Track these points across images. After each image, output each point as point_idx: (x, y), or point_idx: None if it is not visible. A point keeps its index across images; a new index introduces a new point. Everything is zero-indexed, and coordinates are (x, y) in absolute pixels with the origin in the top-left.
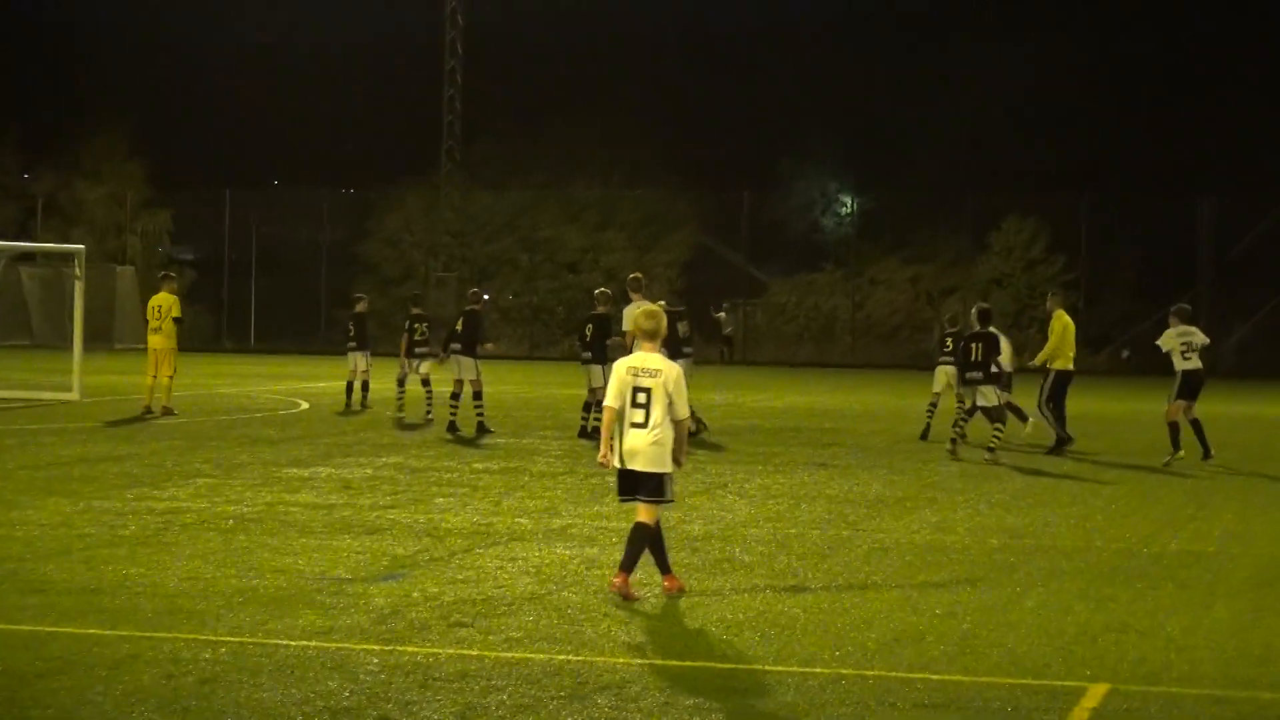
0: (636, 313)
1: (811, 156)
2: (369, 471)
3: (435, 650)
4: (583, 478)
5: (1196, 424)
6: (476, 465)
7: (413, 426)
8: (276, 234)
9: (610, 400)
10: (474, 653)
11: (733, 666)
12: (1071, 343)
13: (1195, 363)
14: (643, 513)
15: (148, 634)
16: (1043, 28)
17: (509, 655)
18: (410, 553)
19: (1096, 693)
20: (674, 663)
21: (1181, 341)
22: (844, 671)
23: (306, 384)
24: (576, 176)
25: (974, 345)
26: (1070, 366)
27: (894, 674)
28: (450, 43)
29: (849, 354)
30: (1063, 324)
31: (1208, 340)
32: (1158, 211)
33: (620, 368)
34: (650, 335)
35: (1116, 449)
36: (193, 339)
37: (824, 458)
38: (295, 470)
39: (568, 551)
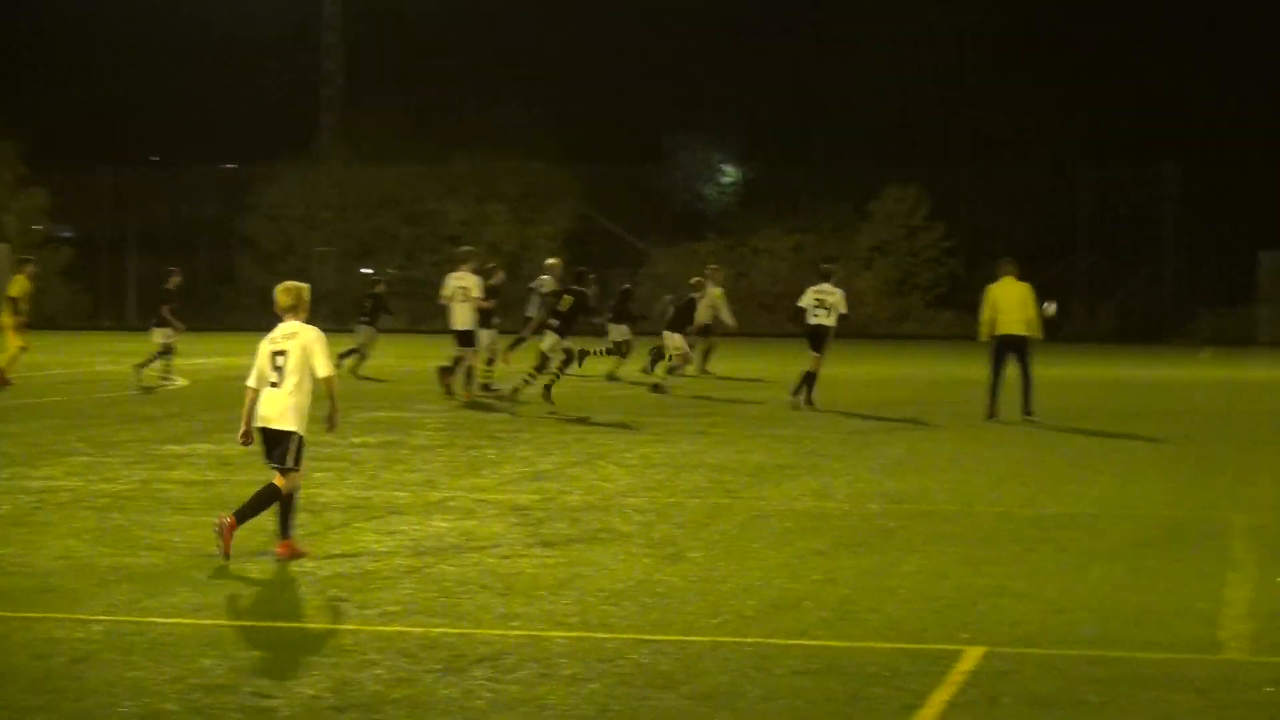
0: (277, 289)
1: (694, 127)
2: (248, 448)
3: (311, 625)
4: (462, 450)
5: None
6: (355, 439)
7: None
8: (156, 210)
9: (251, 382)
10: (350, 627)
11: (611, 636)
12: (1003, 309)
13: (821, 319)
14: (278, 478)
15: (19, 614)
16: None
17: (385, 629)
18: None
19: (973, 655)
20: (552, 633)
21: (816, 298)
22: (722, 639)
23: (187, 360)
24: (457, 149)
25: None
26: (1001, 331)
27: (772, 640)
28: (329, 16)
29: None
30: (990, 295)
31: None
32: (1037, 179)
33: (261, 346)
34: (288, 310)
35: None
36: (72, 317)
37: (704, 426)
38: (173, 447)
39: (445, 524)
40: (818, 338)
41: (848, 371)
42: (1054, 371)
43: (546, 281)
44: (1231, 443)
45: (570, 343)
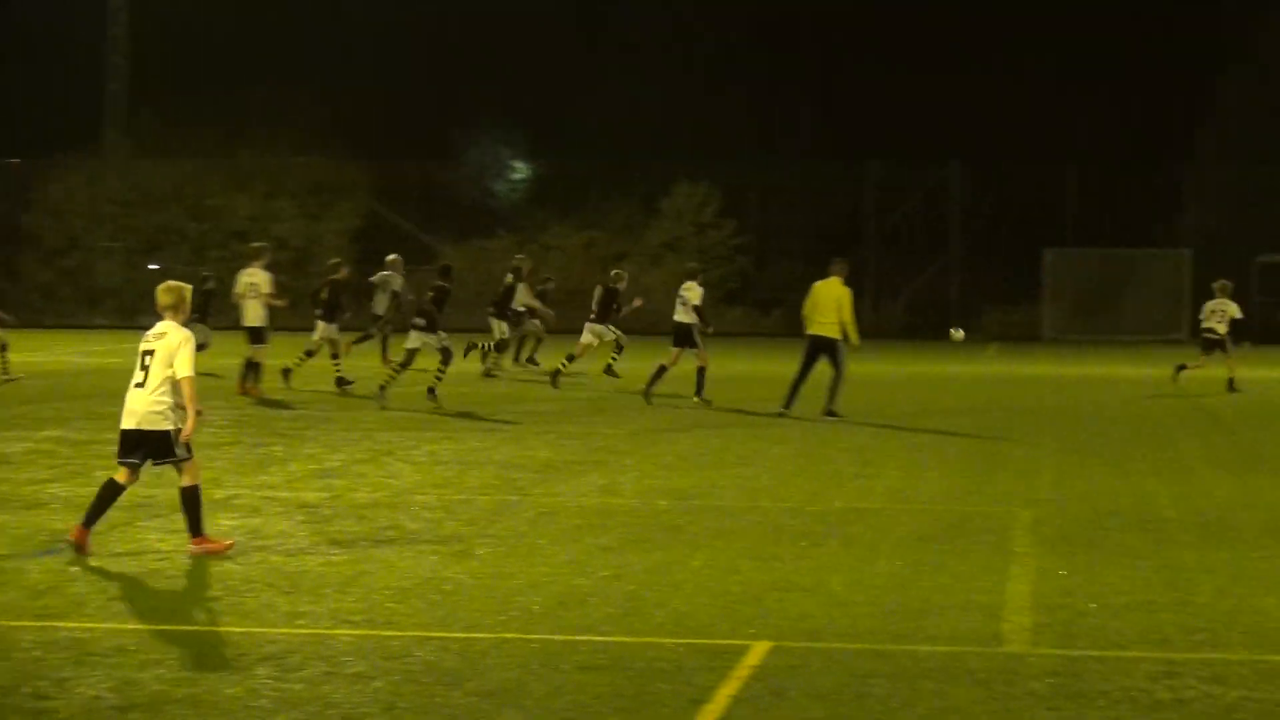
0: (158, 289)
1: (484, 123)
2: (28, 445)
3: (92, 625)
4: (249, 447)
5: (662, 369)
6: None
7: (78, 397)
8: None
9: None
10: (132, 626)
11: (398, 634)
12: (820, 308)
13: (684, 317)
14: (181, 477)
15: None
16: None
17: (168, 628)
18: (69, 527)
19: (759, 650)
20: (338, 631)
21: (677, 297)
22: (508, 636)
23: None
24: (244, 144)
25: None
26: (812, 331)
27: (558, 637)
28: (114, 9)
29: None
30: (812, 294)
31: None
32: (826, 176)
33: (143, 338)
34: (168, 309)
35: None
36: None
37: (493, 423)
38: None
39: (231, 522)
40: (680, 335)
41: (639, 367)
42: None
43: (391, 278)
44: (1015, 438)
45: (447, 339)
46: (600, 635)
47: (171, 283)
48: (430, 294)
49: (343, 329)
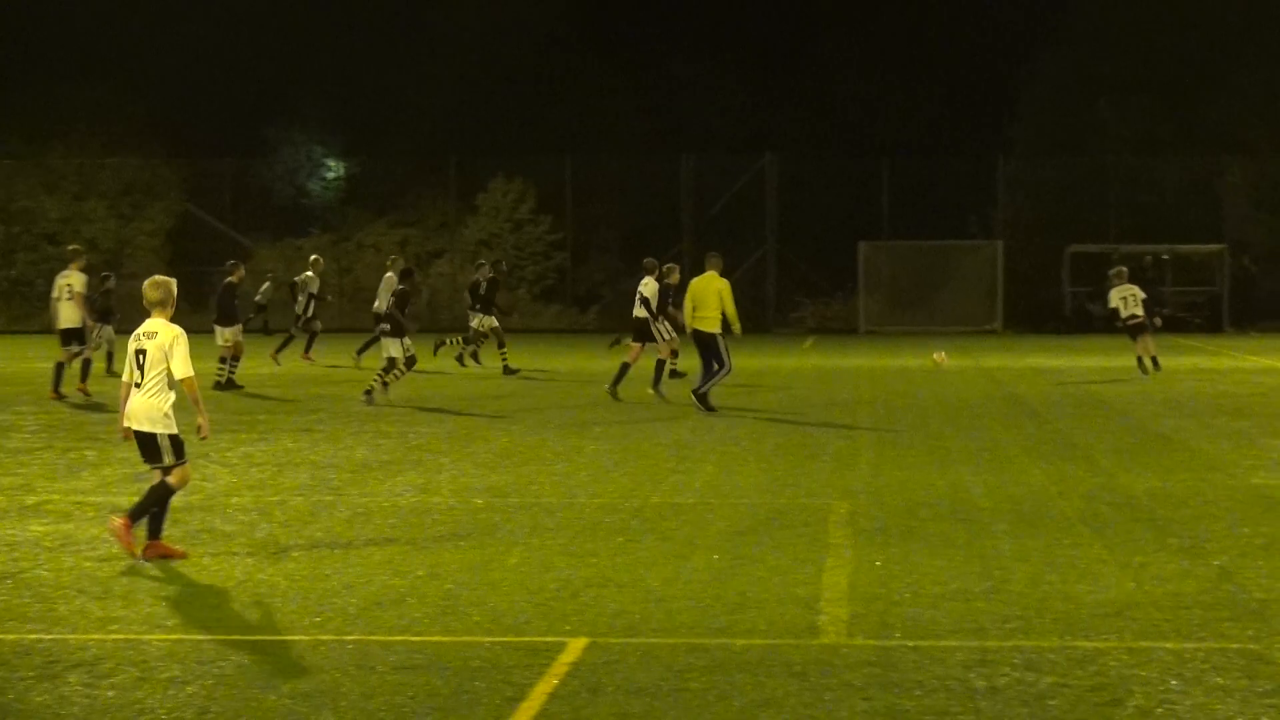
0: (145, 284)
1: (297, 121)
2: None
3: None
4: (60, 453)
5: (625, 366)
6: None
7: None
8: None
9: (125, 377)
10: None
11: (211, 638)
12: (700, 303)
13: (641, 312)
14: (170, 476)
15: None
16: None
17: None
18: None
19: (576, 647)
20: (151, 637)
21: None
22: (324, 637)
23: None
24: (54, 145)
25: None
26: (695, 326)
27: (374, 637)
28: None
29: (336, 318)
30: (692, 288)
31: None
32: (642, 171)
33: (130, 340)
34: (156, 305)
35: (611, 405)
36: None
37: (308, 423)
38: None
39: (42, 528)
40: (639, 331)
41: (455, 366)
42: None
43: (311, 279)
44: (832, 430)
45: (409, 341)
46: (416, 635)
47: (159, 278)
48: (393, 298)
49: (247, 330)
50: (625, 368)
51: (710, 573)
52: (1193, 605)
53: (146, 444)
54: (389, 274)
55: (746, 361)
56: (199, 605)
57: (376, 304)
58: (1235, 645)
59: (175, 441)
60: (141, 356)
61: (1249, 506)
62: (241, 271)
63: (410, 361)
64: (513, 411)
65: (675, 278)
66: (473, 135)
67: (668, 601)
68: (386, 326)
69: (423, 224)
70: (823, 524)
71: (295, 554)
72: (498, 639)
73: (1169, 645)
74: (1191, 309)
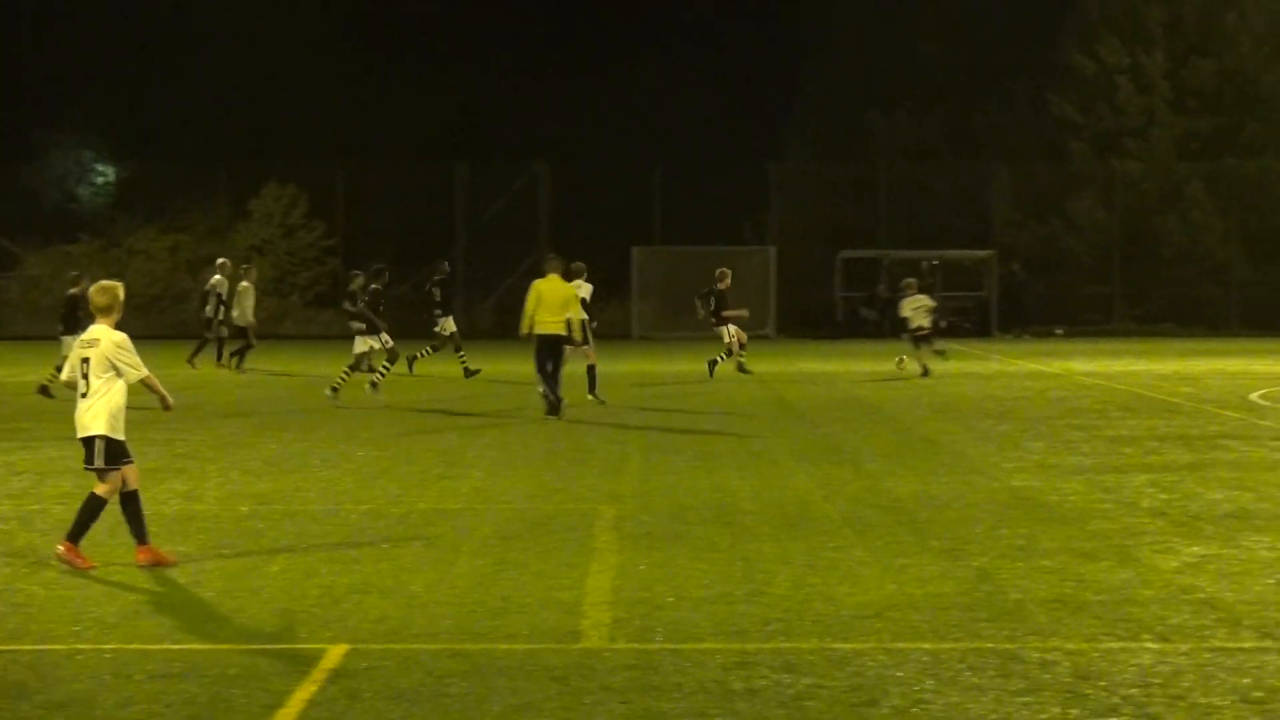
0: (91, 289)
1: (66, 125)
2: None
3: None
4: None
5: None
6: None
7: None
8: None
9: (65, 375)
10: None
11: None
12: (545, 307)
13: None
14: (96, 485)
15: None
16: None
17: None
18: None
19: (336, 654)
20: None
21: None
22: (81, 646)
23: None
24: None
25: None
26: (540, 331)
27: (132, 646)
28: None
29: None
30: (535, 290)
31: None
32: (415, 177)
33: (76, 344)
34: (102, 310)
35: (382, 413)
36: None
37: (70, 432)
38: None
39: None
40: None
41: (219, 374)
42: (434, 369)
43: (220, 283)
44: (601, 435)
45: (390, 340)
46: (175, 644)
47: (106, 283)
48: (366, 298)
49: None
50: (593, 369)
51: (474, 578)
52: (951, 606)
53: (86, 447)
54: (244, 283)
55: (518, 367)
56: None
57: (236, 313)
58: (990, 645)
59: (110, 446)
60: (85, 365)
61: (1009, 509)
62: (85, 283)
63: (392, 355)
64: (283, 418)
65: (727, 282)
66: (245, 140)
67: (430, 607)
68: (361, 325)
69: (194, 230)
70: (589, 529)
71: (55, 563)
72: (257, 646)
73: (926, 646)
74: (961, 314)
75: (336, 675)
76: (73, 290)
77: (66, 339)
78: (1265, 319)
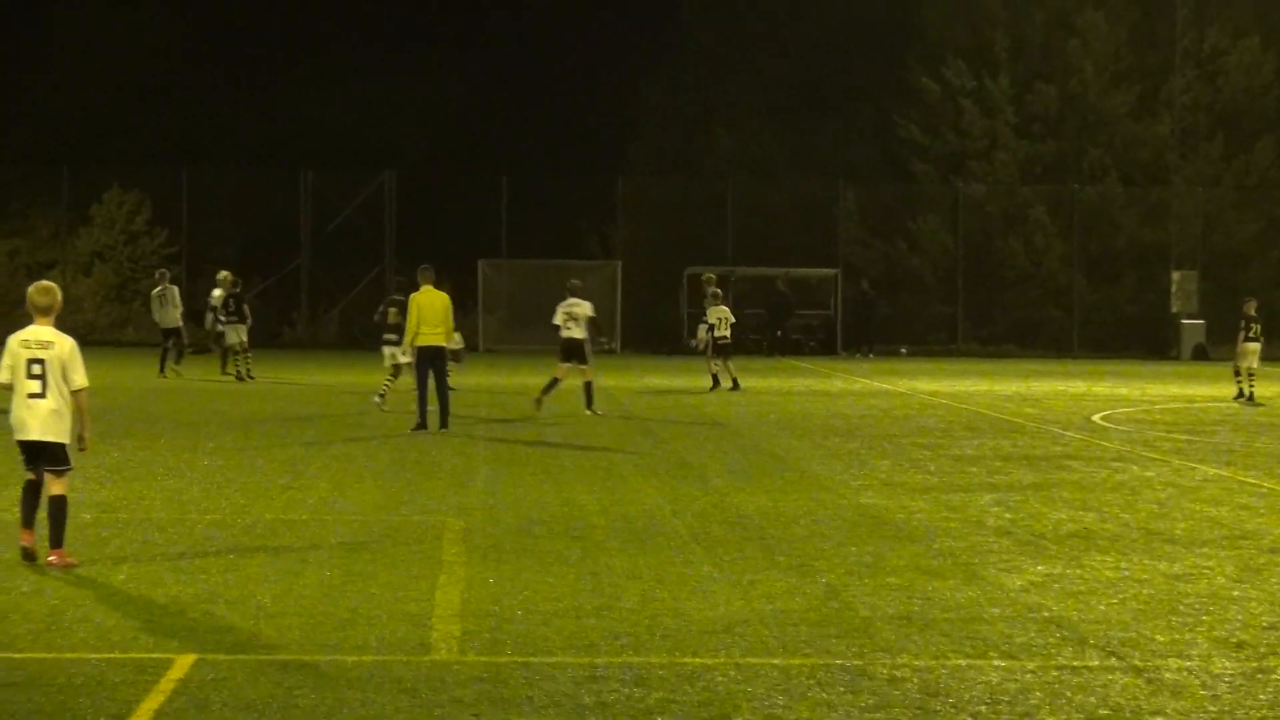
0: (32, 290)
1: None
2: None
3: None
4: None
5: (587, 385)
6: None
7: None
8: None
9: (3, 376)
10: None
11: None
12: (427, 319)
13: (573, 332)
14: (54, 485)
15: None
16: None
17: None
18: None
19: (184, 664)
20: None
21: (565, 313)
22: None
23: None
24: None
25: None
26: (421, 343)
27: None
28: None
29: None
30: (415, 303)
31: (592, 314)
32: (261, 184)
33: (13, 341)
34: (43, 310)
35: (225, 423)
36: None
37: None
38: None
39: None
40: (571, 350)
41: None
42: (281, 376)
43: (169, 289)
44: (447, 448)
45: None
46: (18, 652)
47: (46, 283)
48: (393, 309)
49: None
50: (589, 386)
51: (322, 589)
52: (800, 623)
53: (41, 451)
54: (217, 290)
55: (362, 378)
56: None
57: (209, 318)
58: (840, 661)
59: (65, 450)
60: (38, 366)
61: (856, 526)
62: None
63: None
64: (125, 426)
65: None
66: (87, 143)
67: (278, 618)
68: (393, 337)
69: (33, 234)
70: (437, 541)
71: None
72: (103, 655)
73: (776, 661)
74: (806, 331)
75: (184, 685)
76: None
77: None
78: (1105, 341)
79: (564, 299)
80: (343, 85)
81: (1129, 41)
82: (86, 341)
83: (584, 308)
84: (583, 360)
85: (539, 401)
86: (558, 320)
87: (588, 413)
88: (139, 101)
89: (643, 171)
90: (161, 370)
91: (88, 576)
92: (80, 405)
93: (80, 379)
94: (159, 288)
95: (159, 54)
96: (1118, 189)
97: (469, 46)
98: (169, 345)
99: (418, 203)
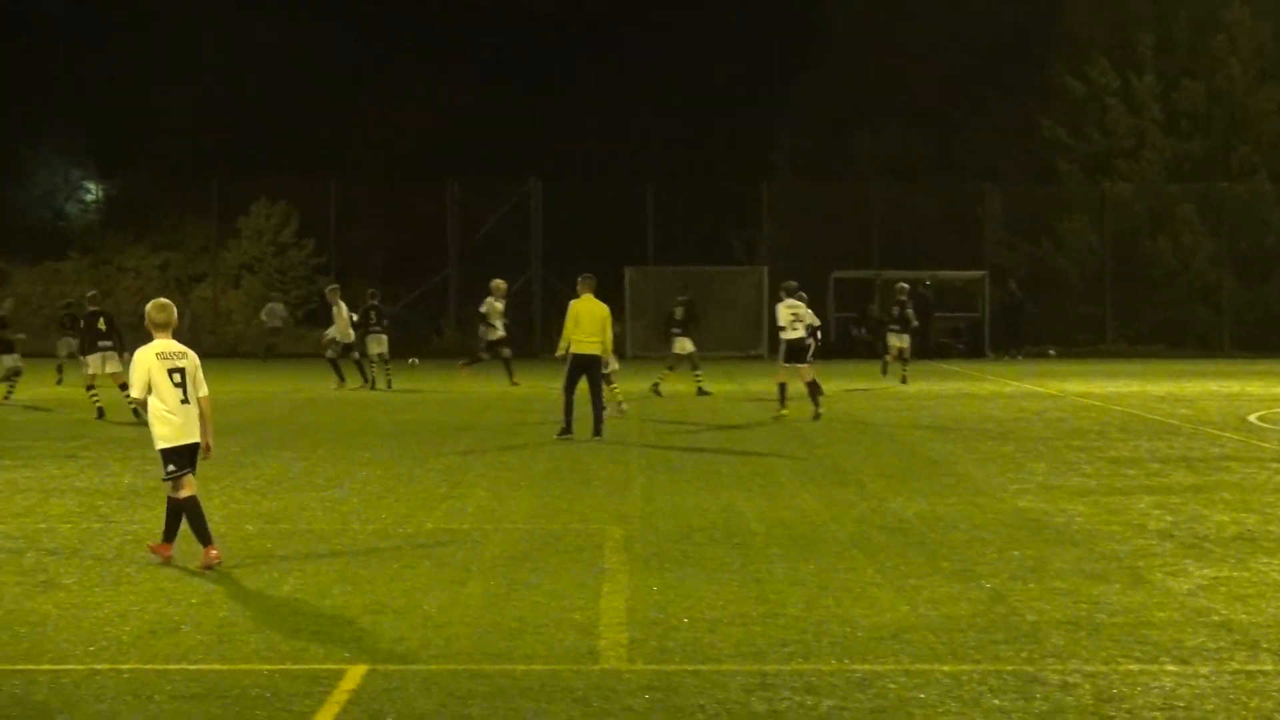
0: (150, 307)
1: (53, 142)
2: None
3: None
4: None
5: (812, 384)
6: None
7: None
8: None
9: (138, 393)
10: None
11: None
12: (584, 327)
13: (799, 333)
14: (191, 486)
15: None
16: (289, 13)
17: None
18: None
19: (355, 674)
20: None
21: (790, 314)
22: (99, 667)
23: None
24: None
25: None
26: (576, 350)
27: (150, 666)
28: None
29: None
30: (574, 311)
31: (817, 321)
32: (406, 195)
33: (148, 360)
34: (164, 326)
35: (380, 433)
36: None
37: (72, 449)
38: None
39: None
40: (799, 351)
41: (218, 389)
42: (427, 385)
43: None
44: (602, 455)
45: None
46: (193, 664)
47: (164, 300)
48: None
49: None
50: (814, 386)
51: (487, 598)
52: (967, 628)
53: (194, 453)
54: (338, 304)
55: (511, 387)
56: None
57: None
58: (1010, 667)
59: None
60: (178, 375)
61: (1016, 530)
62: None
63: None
64: (281, 437)
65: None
66: (235, 157)
67: (446, 627)
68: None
69: (184, 247)
70: (598, 549)
71: (65, 582)
72: (276, 666)
73: (945, 668)
74: (954, 335)
75: (358, 696)
76: (93, 309)
77: (91, 358)
78: (1257, 340)
79: (781, 299)
80: (489, 93)
81: (1276, 37)
82: (234, 353)
83: (802, 309)
84: (804, 361)
85: (779, 416)
86: (783, 321)
87: (814, 419)
88: (287, 113)
89: (787, 176)
90: (369, 383)
91: (255, 588)
92: (206, 412)
93: (205, 387)
94: (337, 304)
95: (307, 64)
96: (1267, 186)
97: (615, 54)
98: (356, 359)
99: (563, 210)
